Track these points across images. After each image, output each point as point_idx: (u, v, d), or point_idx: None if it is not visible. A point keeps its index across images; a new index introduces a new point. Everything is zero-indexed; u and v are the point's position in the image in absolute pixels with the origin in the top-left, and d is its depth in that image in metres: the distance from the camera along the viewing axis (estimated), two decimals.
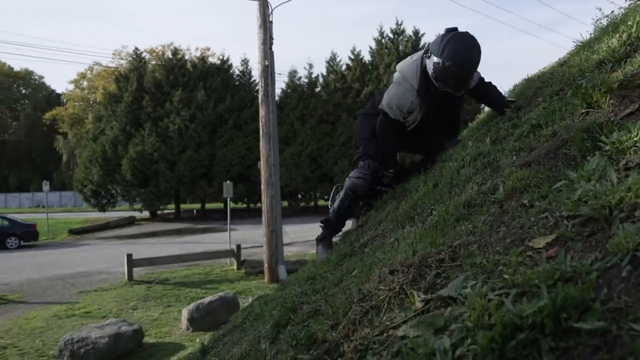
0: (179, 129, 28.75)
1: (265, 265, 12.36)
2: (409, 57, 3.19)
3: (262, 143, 12.75)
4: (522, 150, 1.88)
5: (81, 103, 64.68)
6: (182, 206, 34.95)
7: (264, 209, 12.41)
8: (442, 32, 2.85)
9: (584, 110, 1.72)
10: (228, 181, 15.35)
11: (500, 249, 1.28)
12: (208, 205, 34.83)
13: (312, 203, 36.63)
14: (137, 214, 32.37)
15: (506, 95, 3.26)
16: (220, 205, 34.43)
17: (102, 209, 31.60)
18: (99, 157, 28.82)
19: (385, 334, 1.23)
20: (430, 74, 2.87)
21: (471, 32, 2.80)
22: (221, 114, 30.37)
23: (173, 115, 29.10)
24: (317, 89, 34.07)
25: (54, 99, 70.89)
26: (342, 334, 1.47)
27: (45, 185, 24.71)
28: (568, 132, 1.62)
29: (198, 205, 35.11)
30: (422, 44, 33.41)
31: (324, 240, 3.40)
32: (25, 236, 20.68)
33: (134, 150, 28.03)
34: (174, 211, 33.81)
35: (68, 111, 62.77)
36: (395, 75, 3.14)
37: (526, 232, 1.28)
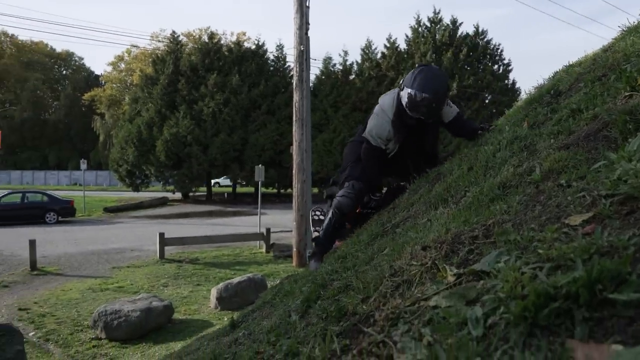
0: (212, 113, 29.06)
1: (294, 249, 12.46)
2: (389, 91, 3.54)
3: (295, 128, 12.81)
4: (560, 133, 1.85)
5: (118, 85, 66.04)
6: (214, 189, 35.42)
7: (295, 193, 12.49)
8: (415, 67, 3.24)
9: (627, 94, 1.68)
10: (260, 165, 15.49)
11: (535, 226, 1.28)
12: (239, 189, 35.23)
13: None
14: (169, 195, 32.98)
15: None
16: (251, 189, 34.77)
17: (136, 188, 32.28)
18: (134, 138, 29.39)
19: (416, 305, 1.24)
20: (404, 104, 3.16)
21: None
22: (255, 98, 30.55)
23: (207, 99, 29.41)
24: (351, 77, 33.93)
25: (92, 80, 72.50)
26: (373, 306, 1.50)
27: (83, 164, 25.40)
28: (610, 115, 1.60)
29: (229, 189, 35.56)
30: (459, 33, 32.87)
31: (314, 256, 3.53)
32: (63, 212, 21.33)
33: (168, 132, 28.48)
34: (205, 193, 34.31)
35: (106, 92, 64.19)
36: (376, 107, 3.48)
37: (562, 210, 1.27)
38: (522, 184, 1.68)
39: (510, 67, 34.02)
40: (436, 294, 1.25)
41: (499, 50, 33.81)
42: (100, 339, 7.29)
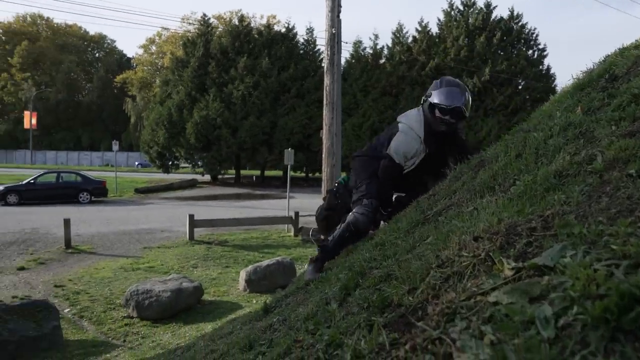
0: (242, 96, 29.14)
1: None
2: (409, 112, 3.61)
3: (325, 112, 12.72)
4: (622, 120, 1.74)
5: (149, 67, 66.87)
6: (242, 172, 35.67)
7: (324, 177, 12.45)
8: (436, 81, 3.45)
9: None
10: (289, 148, 15.47)
11: (604, 219, 1.19)
12: (267, 173, 35.40)
13: None
14: (198, 177, 33.34)
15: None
16: (279, 173, 34.90)
17: (166, 170, 32.73)
18: (165, 120, 29.72)
19: (472, 300, 1.17)
20: (434, 112, 3.33)
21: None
22: (284, 82, 30.51)
23: (237, 82, 29.50)
24: (382, 61, 33.55)
25: (124, 62, 73.58)
26: (421, 299, 1.43)
27: (115, 145, 25.82)
28: None
29: (257, 172, 35.77)
30: (493, 17, 32.06)
31: (317, 262, 3.46)
32: (96, 192, 21.76)
33: (198, 114, 28.70)
34: (234, 176, 34.58)
35: (137, 75, 65.09)
36: (401, 125, 3.49)
37: (635, 203, 1.18)
38: (581, 173, 1.57)
39: (545, 52, 33.12)
40: (494, 288, 1.17)
41: (534, 35, 32.92)
42: (132, 317, 7.41)
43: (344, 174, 3.91)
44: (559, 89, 32.90)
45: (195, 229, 13.04)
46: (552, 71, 32.85)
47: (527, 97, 32.25)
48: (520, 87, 32.58)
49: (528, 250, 1.29)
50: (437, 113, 3.31)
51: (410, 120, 3.47)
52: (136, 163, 55.56)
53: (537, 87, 31.98)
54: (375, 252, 2.45)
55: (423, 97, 3.45)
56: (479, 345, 0.97)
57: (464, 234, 1.67)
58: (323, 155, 12.70)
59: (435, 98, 3.31)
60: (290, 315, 2.48)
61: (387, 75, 31.91)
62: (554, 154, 1.88)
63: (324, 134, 12.79)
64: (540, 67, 32.52)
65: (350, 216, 3.41)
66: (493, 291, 1.16)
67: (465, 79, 30.95)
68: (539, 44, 33.12)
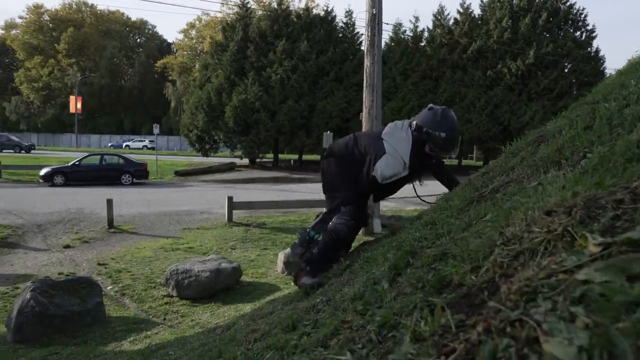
0: (281, 79, 29.09)
1: None
2: (395, 127, 3.58)
3: (365, 94, 12.51)
4: None
5: (189, 52, 67.63)
6: (280, 156, 35.78)
7: None
8: (427, 108, 3.55)
9: None
10: (328, 132, 15.33)
11: None
12: (305, 157, 35.41)
13: None
14: (237, 161, 33.62)
15: None
16: (317, 157, 34.83)
17: (205, 154, 33.10)
18: (204, 104, 29.97)
19: (553, 278, 1.02)
20: (433, 147, 3.43)
21: None
22: (323, 65, 30.28)
23: (276, 66, 29.44)
24: (422, 44, 32.86)
25: (165, 47, 74.61)
26: (486, 278, 1.29)
27: (156, 129, 26.24)
28: None
29: (295, 156, 35.81)
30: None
31: (309, 271, 3.45)
32: (137, 174, 22.20)
33: (237, 98, 28.82)
34: (272, 160, 34.72)
35: (177, 60, 65.93)
36: (387, 146, 3.45)
37: None
38: None
39: (594, 34, 31.74)
40: (579, 266, 1.02)
41: (583, 16, 31.58)
42: (172, 296, 7.49)
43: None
44: (608, 72, 31.53)
45: (234, 211, 13.11)
46: (601, 53, 31.45)
47: (574, 80, 31.07)
48: (566, 70, 31.40)
49: (616, 225, 1.13)
50: (428, 148, 3.44)
51: (396, 144, 3.45)
52: (109, 144, 57.36)
53: (585, 70, 30.73)
54: (425, 231, 2.31)
55: (415, 124, 3.46)
56: (570, 328, 0.83)
57: (530, 209, 1.51)
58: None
59: (437, 143, 3.42)
60: (334, 295, 2.37)
61: (428, 59, 31.27)
62: (633, 123, 1.69)
63: (364, 116, 12.60)
64: (589, 49, 31.21)
65: (330, 225, 3.46)
66: (579, 269, 1.01)
67: (508, 62, 30.05)
68: (588, 25, 31.77)
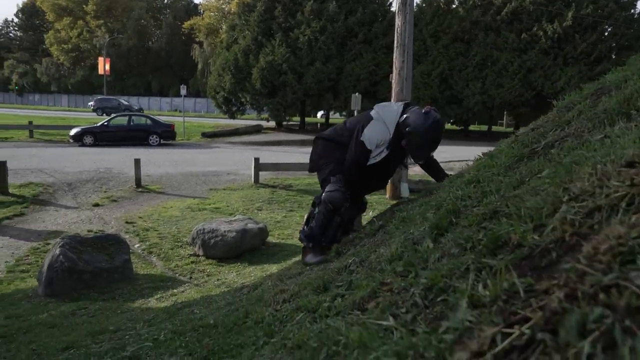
0: (308, 41, 28.55)
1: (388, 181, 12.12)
2: (388, 105, 3.82)
3: (395, 55, 12.11)
4: None
5: (216, 13, 66.91)
6: (307, 119, 35.54)
7: None
8: (424, 110, 3.50)
9: None
10: (357, 93, 15.03)
11: None
12: (332, 120, 35.11)
13: None
14: (263, 123, 33.51)
15: None
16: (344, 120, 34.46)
17: (232, 116, 33.03)
18: (231, 65, 29.73)
19: None
20: (405, 137, 3.48)
21: None
22: (351, 27, 29.56)
23: (303, 27, 28.87)
24: (454, 5, 31.77)
25: (192, 9, 74.01)
26: (553, 237, 1.12)
27: (183, 90, 26.19)
28: None
29: (322, 120, 35.52)
30: None
31: (313, 248, 3.54)
32: (165, 135, 22.29)
33: (264, 60, 28.47)
34: (298, 123, 34.51)
35: (204, 21, 65.39)
36: (374, 114, 3.64)
37: None
38: None
39: None
40: None
41: None
42: (198, 255, 7.51)
43: None
44: None
45: (260, 173, 13.05)
46: None
47: (614, 44, 29.72)
48: (606, 33, 30.01)
49: None
50: (404, 143, 3.51)
51: (386, 114, 3.60)
52: (89, 104, 57.32)
53: (627, 34, 29.32)
54: (468, 189, 2.13)
55: (404, 118, 3.49)
56: None
57: (600, 163, 1.32)
58: (392, 101, 12.19)
59: (409, 142, 3.49)
60: (368, 256, 2.23)
61: (460, 20, 30.26)
62: None
63: (394, 78, 12.24)
64: (632, 10, 29.68)
65: (323, 195, 3.51)
66: None
67: (544, 24, 28.85)
68: None
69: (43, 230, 8.98)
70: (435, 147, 3.61)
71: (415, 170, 15.75)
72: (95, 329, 3.02)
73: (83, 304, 4.76)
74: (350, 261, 2.31)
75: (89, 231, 8.59)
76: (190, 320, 2.49)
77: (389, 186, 12.17)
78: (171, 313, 3.01)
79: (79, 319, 4.00)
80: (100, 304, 4.89)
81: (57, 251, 5.83)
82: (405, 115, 3.49)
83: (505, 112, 44.98)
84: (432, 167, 3.95)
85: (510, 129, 41.10)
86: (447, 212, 1.96)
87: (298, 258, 6.76)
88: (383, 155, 3.55)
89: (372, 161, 3.58)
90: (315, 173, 3.94)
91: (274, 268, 5.76)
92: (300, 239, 3.82)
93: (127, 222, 9.36)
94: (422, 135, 3.42)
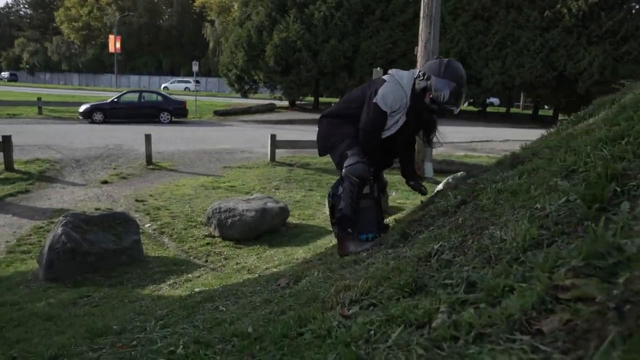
0: (324, 17, 27.61)
1: None
2: (400, 71, 3.35)
3: (421, 26, 11.33)
4: None
5: None
6: (320, 99, 34.76)
7: None
8: (435, 58, 3.36)
9: None
10: (378, 68, 14.24)
11: None
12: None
13: None
14: (276, 102, 32.79)
15: None
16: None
17: (244, 94, 32.28)
18: (244, 42, 28.89)
19: None
20: (426, 95, 3.12)
21: None
22: (368, 3, 28.54)
23: (319, 2, 27.89)
24: None
25: None
26: None
27: (195, 66, 25.46)
28: None
29: (336, 99, 34.73)
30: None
31: (351, 235, 3.09)
32: (176, 112, 21.65)
33: (278, 36, 27.61)
34: (312, 102, 33.75)
35: None
36: (388, 77, 3.27)
37: None
38: None
39: None
40: None
41: None
42: (214, 236, 6.93)
43: None
44: None
45: (276, 151, 12.42)
46: None
47: None
48: (634, 10, 28.78)
49: None
50: (428, 98, 3.12)
51: (401, 76, 3.24)
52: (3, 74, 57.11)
53: None
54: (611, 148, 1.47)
55: (419, 72, 3.18)
56: None
57: None
58: None
59: (432, 85, 3.06)
60: (465, 240, 1.58)
61: None
62: None
63: (419, 51, 11.47)
64: None
65: (344, 171, 3.15)
66: None
67: (568, 1, 27.69)
68: None
69: (48, 208, 8.44)
70: (464, 89, 3.11)
71: (437, 151, 15.09)
72: (96, 326, 2.43)
73: (86, 291, 4.16)
74: (435, 247, 1.67)
75: (96, 209, 8.03)
76: (218, 323, 1.88)
77: None
78: (190, 308, 2.40)
79: (80, 309, 3.41)
80: (105, 290, 4.30)
81: (59, 230, 5.25)
82: (418, 73, 3.17)
83: (522, 94, 43.83)
84: (409, 151, 3.61)
85: (529, 111, 40.02)
86: (602, 177, 1.31)
87: (323, 240, 6.16)
88: (400, 124, 3.20)
89: (388, 133, 3.22)
90: (328, 155, 3.46)
91: (300, 252, 5.15)
92: (335, 235, 3.30)
93: (137, 201, 8.79)
94: (442, 72, 3.05)
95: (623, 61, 26.98)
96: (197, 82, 52.66)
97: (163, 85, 54.58)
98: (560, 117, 33.67)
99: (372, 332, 1.17)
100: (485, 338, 0.91)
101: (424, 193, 3.45)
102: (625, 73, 25.99)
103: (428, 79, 3.07)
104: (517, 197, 1.70)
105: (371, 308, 1.40)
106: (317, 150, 3.68)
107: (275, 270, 4.01)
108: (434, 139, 3.51)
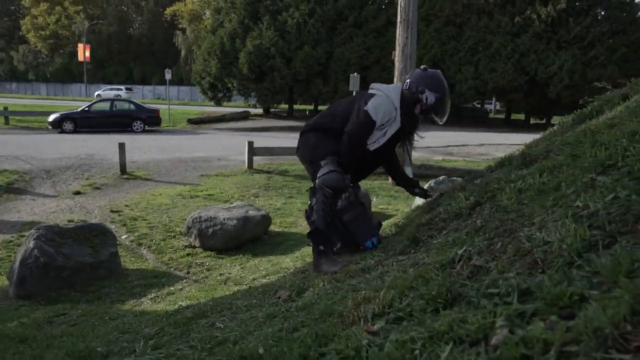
0: (297, 24, 27.53)
1: None
2: (385, 85, 3.36)
3: (398, 31, 11.31)
4: None
5: None
6: (295, 106, 34.63)
7: None
8: (421, 69, 3.24)
9: None
10: (355, 73, 14.19)
11: None
12: (321, 107, 34.23)
13: None
14: (251, 110, 32.53)
15: None
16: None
17: (218, 102, 31.90)
18: (217, 50, 28.60)
19: None
20: (417, 105, 3.15)
21: None
22: (341, 9, 28.59)
23: (292, 9, 27.82)
24: None
25: None
26: None
27: (168, 74, 25.05)
28: None
29: (310, 106, 34.67)
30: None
31: (325, 252, 2.94)
32: (149, 121, 21.20)
33: (251, 43, 27.40)
34: (286, 110, 33.59)
35: (187, 7, 63.70)
36: (376, 91, 3.24)
37: None
38: None
39: None
40: None
41: None
42: (194, 247, 6.69)
43: None
44: None
45: (254, 158, 12.21)
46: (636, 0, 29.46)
47: (606, 28, 29.16)
48: (599, 17, 29.47)
49: None
50: (419, 109, 3.16)
51: (388, 90, 3.25)
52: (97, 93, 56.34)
53: (620, 17, 28.84)
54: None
55: (408, 82, 3.18)
56: None
57: None
58: (394, 80, 11.40)
59: (427, 98, 3.11)
60: (493, 243, 1.44)
61: (452, 3, 29.53)
62: None
63: (396, 55, 11.43)
64: None
65: (318, 181, 3.04)
66: None
67: (538, 7, 28.21)
68: None
69: (17, 221, 8.07)
70: (449, 98, 3.23)
71: (414, 156, 15.08)
72: (77, 348, 2.21)
73: (62, 308, 3.89)
74: (460, 252, 1.53)
75: (69, 221, 7.69)
76: (218, 342, 1.69)
77: None
78: (182, 326, 2.20)
79: (56, 329, 3.16)
80: (83, 307, 4.04)
81: (31, 244, 4.95)
82: (407, 83, 3.19)
83: (494, 98, 44.45)
84: (400, 175, 3.64)
85: (501, 116, 40.56)
86: None
87: (308, 249, 5.97)
88: (388, 137, 3.19)
89: (375, 145, 3.19)
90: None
91: (287, 261, 4.96)
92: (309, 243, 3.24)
93: (112, 211, 8.47)
94: (427, 80, 3.12)
95: (591, 65, 27.57)
96: (129, 89, 53.01)
97: (96, 93, 54.17)
98: (532, 121, 34.24)
99: (416, 351, 1.01)
100: (572, 357, 0.76)
101: (429, 197, 3.40)
102: (593, 77, 26.61)
103: (422, 91, 3.11)
104: (545, 195, 1.57)
105: (400, 322, 1.24)
106: (295, 156, 3.55)
107: (264, 281, 3.82)
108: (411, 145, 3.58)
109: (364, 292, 1.53)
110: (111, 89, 53.76)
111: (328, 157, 3.09)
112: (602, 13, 29.50)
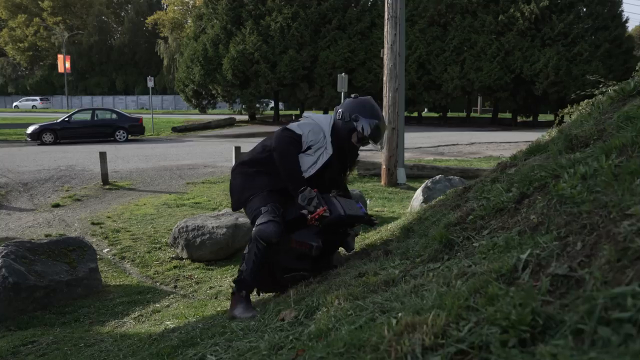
0: (280, 28, 27.19)
1: (383, 166, 11.05)
2: (316, 114, 3.36)
3: (386, 28, 10.97)
4: None
5: (181, 7, 64.75)
6: (281, 112, 34.25)
7: (385, 103, 10.86)
8: (353, 97, 3.32)
9: None
10: (343, 73, 13.85)
11: None
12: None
13: (416, 113, 34.60)
14: (236, 117, 32.09)
15: None
16: (319, 113, 33.32)
17: (203, 110, 31.41)
18: (200, 56, 28.15)
19: None
20: (352, 135, 3.18)
21: None
22: (325, 12, 28.31)
23: (275, 13, 27.48)
24: None
25: (154, 3, 71.61)
26: None
27: (150, 82, 24.53)
28: None
29: (297, 111, 34.31)
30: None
31: (245, 299, 2.88)
32: (132, 130, 20.67)
33: (234, 49, 27.00)
34: (272, 115, 33.19)
35: (169, 15, 63.25)
36: (305, 118, 3.26)
37: None
38: None
39: None
40: None
41: None
42: (182, 258, 6.26)
43: None
44: (625, 15, 29.53)
45: None
46: None
47: (589, 25, 29.20)
48: (582, 13, 29.50)
49: None
50: (355, 138, 3.20)
51: (318, 118, 3.25)
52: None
53: (602, 14, 28.91)
54: None
55: (341, 112, 3.20)
56: None
57: None
58: (384, 79, 11.07)
59: (363, 127, 3.14)
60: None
61: (436, 3, 29.44)
62: None
63: (385, 53, 11.10)
64: None
65: (253, 231, 2.95)
66: None
67: (521, 5, 28.18)
68: None
69: None
70: (383, 123, 3.26)
71: (406, 156, 14.77)
72: None
73: (32, 334, 3.43)
74: (523, 257, 1.16)
75: (46, 235, 7.22)
76: None
77: (383, 172, 11.12)
78: (165, 357, 1.79)
79: None
80: (57, 331, 3.59)
81: None
82: (340, 113, 3.21)
83: (480, 98, 44.43)
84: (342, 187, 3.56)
85: (488, 115, 40.51)
86: None
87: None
88: (321, 163, 3.09)
89: (311, 171, 3.07)
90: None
91: None
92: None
93: (93, 224, 8.00)
94: (360, 107, 3.18)
95: (576, 62, 27.56)
96: (46, 99, 52.90)
97: (14, 104, 53.88)
98: (519, 119, 34.17)
99: None
100: None
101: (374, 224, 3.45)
102: (578, 73, 26.61)
103: (356, 119, 3.13)
104: (626, 180, 1.22)
105: None
106: None
107: (260, 296, 3.43)
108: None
109: (400, 314, 1.16)
110: (27, 100, 54.23)
111: (269, 205, 2.95)
112: (584, 10, 29.55)
